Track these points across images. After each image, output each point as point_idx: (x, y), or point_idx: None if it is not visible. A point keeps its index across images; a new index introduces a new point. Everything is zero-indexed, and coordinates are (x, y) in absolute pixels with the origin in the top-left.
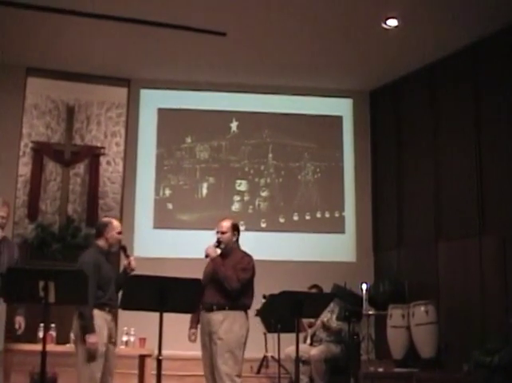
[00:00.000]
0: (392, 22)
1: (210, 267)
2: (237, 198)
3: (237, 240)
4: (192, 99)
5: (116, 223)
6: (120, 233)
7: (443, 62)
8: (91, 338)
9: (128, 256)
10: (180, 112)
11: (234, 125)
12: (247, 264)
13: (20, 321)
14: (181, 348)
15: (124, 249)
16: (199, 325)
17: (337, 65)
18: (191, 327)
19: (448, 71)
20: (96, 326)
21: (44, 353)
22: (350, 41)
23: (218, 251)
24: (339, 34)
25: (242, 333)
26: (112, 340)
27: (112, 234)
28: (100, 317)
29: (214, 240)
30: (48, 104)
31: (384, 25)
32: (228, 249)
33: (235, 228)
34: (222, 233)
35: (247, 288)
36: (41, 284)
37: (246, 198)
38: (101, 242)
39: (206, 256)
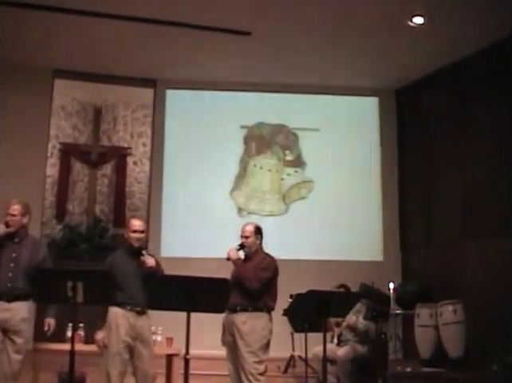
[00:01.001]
0: (418, 20)
1: (235, 270)
2: None
3: (260, 243)
4: (217, 99)
5: (132, 221)
6: (134, 231)
7: (469, 60)
8: (96, 335)
9: (141, 255)
10: (206, 111)
11: None
12: (268, 264)
13: (50, 322)
14: (208, 347)
15: (138, 248)
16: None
17: (363, 64)
18: (224, 332)
19: (475, 68)
20: (113, 324)
21: (72, 353)
22: (376, 39)
23: (241, 254)
24: (364, 32)
25: (265, 334)
26: (142, 339)
27: (128, 234)
28: (119, 316)
29: (236, 243)
30: (75, 105)
31: (409, 23)
32: (252, 252)
33: (258, 232)
34: (246, 237)
35: (269, 289)
36: (70, 284)
37: None
38: (126, 242)
39: (228, 259)
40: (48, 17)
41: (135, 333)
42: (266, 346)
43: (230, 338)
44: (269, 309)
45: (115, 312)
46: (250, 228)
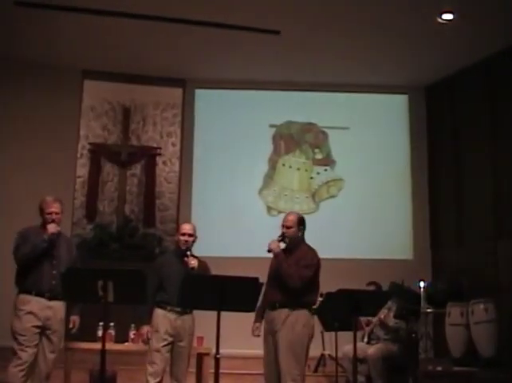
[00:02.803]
0: (448, 16)
1: (274, 263)
2: None
3: (302, 235)
4: (246, 98)
5: (183, 225)
6: (183, 234)
7: (500, 56)
8: (141, 329)
9: (187, 256)
10: (234, 111)
11: None
12: (311, 260)
13: (75, 320)
14: (239, 346)
15: (185, 251)
16: (263, 323)
17: (392, 61)
18: (255, 321)
19: (506, 64)
20: (155, 323)
21: (103, 352)
22: (405, 36)
23: (282, 246)
24: (393, 29)
25: (305, 332)
26: (181, 339)
27: (178, 237)
28: (160, 315)
29: (277, 234)
30: (104, 105)
31: (439, 20)
32: (293, 244)
33: (301, 223)
34: (288, 227)
35: (311, 285)
36: (100, 284)
37: None
38: (176, 244)
39: (269, 251)
40: (77, 18)
41: (175, 332)
42: (307, 344)
43: (270, 337)
44: (309, 306)
45: (157, 312)
46: (292, 218)
